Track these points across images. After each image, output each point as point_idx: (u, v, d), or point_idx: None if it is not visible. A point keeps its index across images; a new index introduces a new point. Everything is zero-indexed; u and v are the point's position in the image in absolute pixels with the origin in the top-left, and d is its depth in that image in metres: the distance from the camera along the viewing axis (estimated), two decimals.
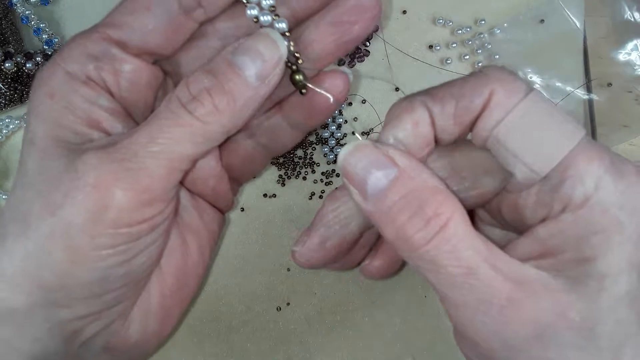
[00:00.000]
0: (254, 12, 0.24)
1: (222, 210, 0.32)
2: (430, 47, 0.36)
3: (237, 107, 0.23)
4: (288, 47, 0.25)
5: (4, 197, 0.34)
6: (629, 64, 0.36)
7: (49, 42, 0.34)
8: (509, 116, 0.21)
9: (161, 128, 0.22)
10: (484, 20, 0.36)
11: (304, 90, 0.26)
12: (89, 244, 0.22)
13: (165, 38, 0.24)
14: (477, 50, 0.36)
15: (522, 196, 0.22)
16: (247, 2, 0.24)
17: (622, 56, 0.36)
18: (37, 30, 0.34)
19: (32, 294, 0.23)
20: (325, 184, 0.35)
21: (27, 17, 0.34)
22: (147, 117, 0.26)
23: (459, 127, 0.22)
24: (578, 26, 0.36)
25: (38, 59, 0.33)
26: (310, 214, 0.35)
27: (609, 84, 0.36)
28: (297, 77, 0.26)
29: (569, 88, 0.36)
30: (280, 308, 0.34)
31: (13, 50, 0.33)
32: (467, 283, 0.21)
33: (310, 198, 0.35)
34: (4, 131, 0.34)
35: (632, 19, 0.36)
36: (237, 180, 0.32)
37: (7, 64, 0.32)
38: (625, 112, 0.36)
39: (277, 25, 0.24)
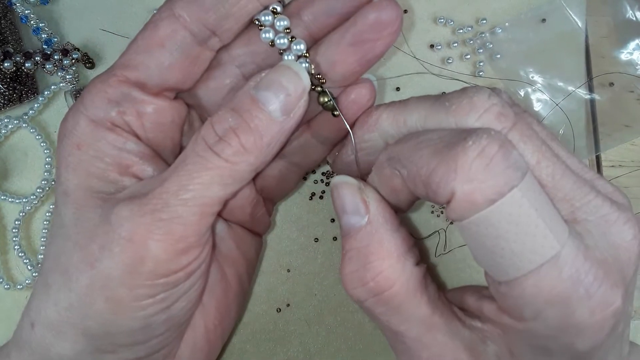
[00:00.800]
0: (269, 35, 0.24)
1: (260, 233, 0.32)
2: (432, 46, 0.36)
3: (264, 144, 0.23)
4: (309, 69, 0.24)
5: (2, 197, 0.34)
6: (630, 64, 0.36)
7: (48, 42, 0.34)
8: (464, 222, 0.20)
9: (190, 174, 0.22)
10: (485, 19, 0.36)
11: (336, 112, 0.25)
12: (128, 295, 0.22)
13: (183, 72, 0.24)
14: (478, 49, 0.36)
15: None
16: (261, 26, 0.24)
17: (623, 56, 0.36)
18: (36, 30, 0.34)
19: (78, 342, 0.23)
20: (326, 184, 0.35)
21: (26, 17, 0.34)
22: (176, 154, 0.26)
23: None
24: (580, 25, 0.36)
25: (37, 58, 0.33)
26: (310, 214, 0.35)
27: (611, 84, 0.36)
28: (324, 99, 0.25)
29: (570, 88, 0.35)
30: (280, 309, 0.34)
31: (12, 50, 0.33)
32: (398, 339, 0.23)
33: (311, 198, 0.35)
34: (3, 131, 0.34)
35: (634, 19, 0.36)
36: (271, 200, 0.32)
37: (6, 64, 0.32)
38: (627, 112, 0.36)
39: (294, 47, 0.24)
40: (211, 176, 0.22)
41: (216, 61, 0.26)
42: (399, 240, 0.23)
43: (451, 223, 0.34)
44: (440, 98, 0.23)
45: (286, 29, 0.24)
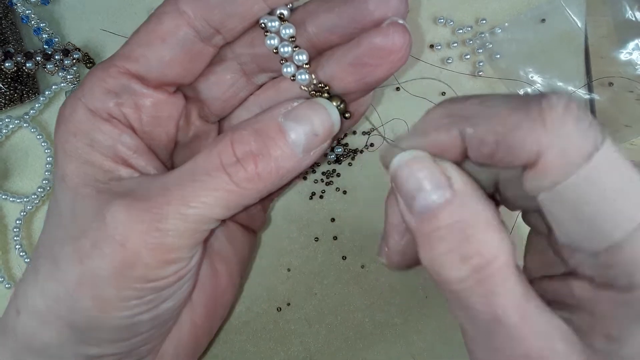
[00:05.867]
0: (274, 42, 0.24)
1: (255, 230, 0.31)
2: (431, 46, 0.36)
3: (279, 175, 0.22)
4: (310, 80, 0.24)
5: (3, 197, 0.34)
6: (630, 64, 0.36)
7: (49, 42, 0.34)
8: (558, 187, 0.17)
9: (196, 191, 0.22)
10: (484, 19, 0.36)
11: (347, 115, 0.25)
12: (116, 295, 0.22)
13: (183, 67, 0.24)
14: (478, 49, 0.36)
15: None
16: (267, 32, 0.24)
17: (623, 56, 0.36)
18: (37, 30, 0.34)
19: (63, 333, 0.23)
20: (326, 184, 0.35)
21: (27, 17, 0.34)
22: (170, 149, 0.26)
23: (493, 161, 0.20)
24: (579, 26, 0.36)
25: (38, 58, 0.33)
26: (310, 214, 0.35)
27: (610, 84, 0.36)
28: (335, 103, 0.24)
29: (570, 88, 0.35)
30: (280, 309, 0.34)
31: (13, 50, 0.33)
32: (491, 328, 0.19)
33: (311, 198, 0.35)
34: (4, 131, 0.34)
35: (634, 19, 0.36)
36: (267, 196, 0.32)
37: (7, 64, 0.32)
38: (626, 112, 0.36)
39: (296, 57, 0.24)
40: (216, 198, 0.22)
41: (218, 56, 0.25)
42: (492, 210, 0.20)
43: None
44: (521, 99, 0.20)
45: (291, 37, 0.24)
